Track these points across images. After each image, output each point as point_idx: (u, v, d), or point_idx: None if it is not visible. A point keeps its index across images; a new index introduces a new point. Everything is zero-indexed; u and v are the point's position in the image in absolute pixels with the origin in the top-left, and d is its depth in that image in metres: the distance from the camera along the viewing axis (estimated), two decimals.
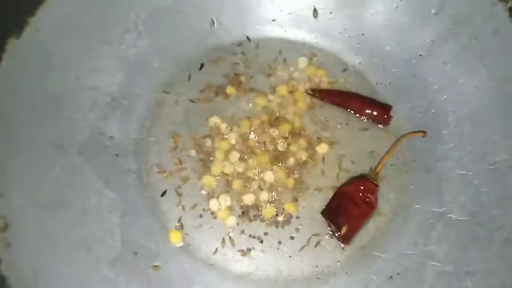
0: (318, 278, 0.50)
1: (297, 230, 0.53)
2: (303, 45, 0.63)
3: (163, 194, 0.54)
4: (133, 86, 0.59)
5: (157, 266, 0.49)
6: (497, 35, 0.53)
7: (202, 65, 0.60)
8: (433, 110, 0.57)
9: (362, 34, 0.62)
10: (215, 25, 0.63)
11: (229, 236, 0.52)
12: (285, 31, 0.64)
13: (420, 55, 0.59)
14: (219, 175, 0.55)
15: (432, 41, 0.58)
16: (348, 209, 0.51)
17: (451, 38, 0.56)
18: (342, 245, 0.51)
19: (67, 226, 0.47)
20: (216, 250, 0.52)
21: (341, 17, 0.62)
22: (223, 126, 0.58)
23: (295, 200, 0.54)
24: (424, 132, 0.55)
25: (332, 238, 0.52)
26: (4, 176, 0.43)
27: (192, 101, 0.59)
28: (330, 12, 0.63)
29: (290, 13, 0.63)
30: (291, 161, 0.56)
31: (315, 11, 0.63)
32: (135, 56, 0.59)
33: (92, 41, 0.57)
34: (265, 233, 0.53)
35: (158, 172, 0.55)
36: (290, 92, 0.60)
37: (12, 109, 0.46)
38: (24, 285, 0.38)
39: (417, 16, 0.58)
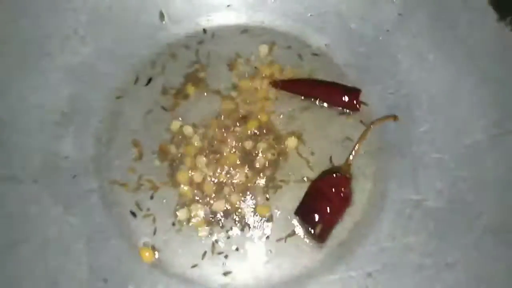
0: (296, 281, 0.49)
1: (272, 233, 0.51)
2: (263, 29, 0.59)
3: (130, 210, 0.52)
4: (83, 98, 0.55)
5: None
6: (466, 3, 0.48)
7: (150, 79, 0.56)
8: (405, 90, 0.53)
9: (324, 12, 0.57)
10: (165, 18, 0.58)
11: (203, 247, 0.50)
12: (242, 16, 0.59)
13: (387, 30, 0.55)
14: (187, 183, 0.53)
15: (399, 14, 0.54)
16: (321, 206, 0.49)
17: (418, 9, 0.52)
18: (314, 243, 0.49)
19: (28, 262, 0.45)
20: (191, 263, 0.50)
21: None
22: (187, 129, 0.54)
23: (267, 199, 0.52)
24: (395, 116, 0.52)
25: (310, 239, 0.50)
26: None
27: (150, 106, 0.55)
28: None
29: None
30: (261, 159, 0.53)
31: None
32: (80, 64, 0.55)
33: (31, 55, 0.52)
34: (240, 240, 0.51)
35: (122, 187, 0.52)
36: (254, 86, 0.56)
37: None
38: None
39: None
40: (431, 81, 0.52)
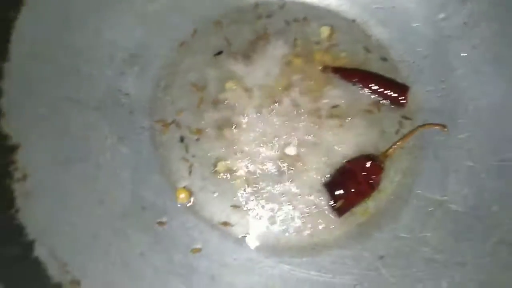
0: (313, 248, 0.53)
1: (300, 200, 0.54)
2: (328, 12, 0.61)
3: (175, 153, 0.56)
4: (151, 43, 0.59)
5: (162, 222, 0.53)
6: None
7: (220, 52, 0.59)
8: (453, 96, 0.55)
9: (392, 7, 0.59)
10: None
11: (234, 200, 0.55)
12: None
13: (449, 36, 0.56)
14: (232, 139, 0.56)
15: (464, 23, 0.55)
16: (348, 185, 0.53)
17: (484, 21, 0.53)
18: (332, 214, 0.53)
19: (81, 179, 0.50)
20: (220, 212, 0.54)
21: None
22: (240, 90, 0.58)
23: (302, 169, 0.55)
24: (445, 126, 0.54)
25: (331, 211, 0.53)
26: (24, 130, 0.45)
27: (209, 62, 0.59)
28: None
29: None
30: (303, 130, 0.56)
31: None
32: (154, 12, 0.59)
33: None
34: (269, 201, 0.54)
35: (171, 131, 0.57)
36: (307, 66, 0.58)
37: (32, 64, 0.47)
38: (39, 234, 0.41)
39: None
40: (481, 93, 0.53)
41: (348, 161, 0.54)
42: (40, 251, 0.41)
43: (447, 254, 0.48)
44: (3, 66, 0.45)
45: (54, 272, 0.41)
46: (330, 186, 0.53)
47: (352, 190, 0.52)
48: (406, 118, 0.56)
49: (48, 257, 0.41)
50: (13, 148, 0.44)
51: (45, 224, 0.43)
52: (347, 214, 0.53)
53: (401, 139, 0.55)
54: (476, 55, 0.54)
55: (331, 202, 0.53)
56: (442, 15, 0.56)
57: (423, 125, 0.55)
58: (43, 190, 0.45)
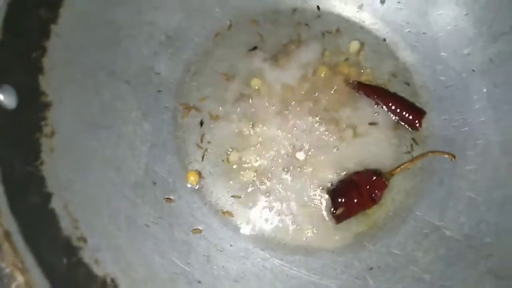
0: (306, 249, 0.55)
1: (303, 201, 0.56)
2: (360, 28, 0.63)
3: (192, 137, 0.59)
4: (188, 30, 0.62)
5: (170, 199, 0.55)
6: None
7: (254, 47, 0.62)
8: (467, 128, 0.57)
9: (423, 33, 0.61)
10: None
11: (240, 190, 0.57)
12: (348, 9, 0.63)
13: (473, 70, 0.58)
14: (249, 132, 0.59)
15: (490, 59, 0.56)
16: (352, 196, 0.55)
17: (510, 62, 0.54)
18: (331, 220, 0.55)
19: (103, 145, 0.53)
20: (225, 199, 0.57)
21: (408, 9, 0.61)
22: (264, 88, 0.60)
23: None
24: (454, 156, 0.55)
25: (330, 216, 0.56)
26: (59, 90, 0.48)
27: (239, 57, 0.62)
28: (398, 2, 0.61)
29: None
30: (317, 136, 0.58)
31: None
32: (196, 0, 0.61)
33: None
34: (273, 196, 0.57)
35: (192, 115, 0.59)
36: (330, 77, 0.61)
37: (77, 31, 0.51)
38: (58, 188, 0.44)
39: (484, 30, 0.56)
40: (495, 130, 0.55)
41: (355, 173, 0.56)
42: (56, 204, 0.44)
43: (434, 276, 0.50)
44: (51, 27, 0.48)
45: (65, 225, 0.44)
46: (333, 193, 0.55)
47: (354, 200, 0.54)
48: (417, 141, 0.58)
49: (62, 210, 0.44)
50: (47, 105, 0.47)
51: (64, 180, 0.46)
52: (345, 223, 0.55)
53: (410, 160, 0.57)
54: (496, 93, 0.56)
55: (332, 209, 0.55)
56: (470, 49, 0.58)
57: (434, 152, 0.57)
58: (67, 149, 0.48)
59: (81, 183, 0.48)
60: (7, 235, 0.34)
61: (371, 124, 0.59)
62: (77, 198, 0.46)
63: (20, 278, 0.32)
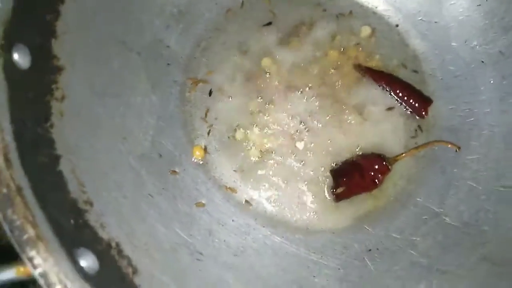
0: (307, 228, 0.56)
1: (306, 180, 0.57)
2: (373, 13, 0.63)
3: (199, 112, 0.59)
4: (201, 4, 0.61)
5: (175, 171, 0.56)
6: None
7: (269, 23, 0.62)
8: (472, 119, 0.57)
9: (435, 22, 0.61)
10: None
11: (244, 167, 0.58)
12: None
13: (482, 61, 0.58)
14: (257, 111, 0.59)
15: (500, 51, 0.57)
16: (354, 177, 0.55)
17: None
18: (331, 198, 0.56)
19: (111, 113, 0.53)
20: (229, 175, 0.57)
21: None
22: (274, 68, 0.61)
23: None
24: (459, 147, 0.56)
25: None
26: (71, 55, 0.48)
27: (251, 35, 0.62)
28: None
29: None
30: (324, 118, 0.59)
31: None
32: None
33: None
34: (277, 175, 0.57)
35: (200, 89, 0.60)
36: (340, 60, 0.61)
37: (90, 0, 0.50)
38: (66, 151, 0.44)
39: (495, 22, 0.56)
40: (500, 121, 0.55)
41: (359, 155, 0.57)
42: (64, 166, 0.44)
43: (431, 260, 0.51)
44: None
45: (72, 188, 0.44)
46: (336, 172, 0.56)
47: (356, 181, 0.55)
48: (423, 129, 0.59)
49: (69, 173, 0.44)
50: (58, 69, 0.47)
51: (72, 144, 0.46)
52: (346, 205, 0.56)
53: (414, 148, 0.57)
54: (504, 85, 0.56)
55: (333, 187, 0.55)
56: (481, 40, 0.58)
57: (439, 141, 0.57)
58: (76, 114, 0.48)
59: (88, 149, 0.49)
60: (19, 189, 0.34)
61: (378, 109, 0.59)
62: (84, 163, 0.47)
63: (31, 231, 0.32)
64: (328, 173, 0.57)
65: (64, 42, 0.48)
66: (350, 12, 0.62)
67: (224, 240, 0.54)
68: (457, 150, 0.56)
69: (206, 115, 0.59)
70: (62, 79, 0.48)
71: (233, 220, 0.56)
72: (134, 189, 0.51)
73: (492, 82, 0.57)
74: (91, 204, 0.45)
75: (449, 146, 0.56)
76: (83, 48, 0.51)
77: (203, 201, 0.56)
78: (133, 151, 0.54)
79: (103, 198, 0.47)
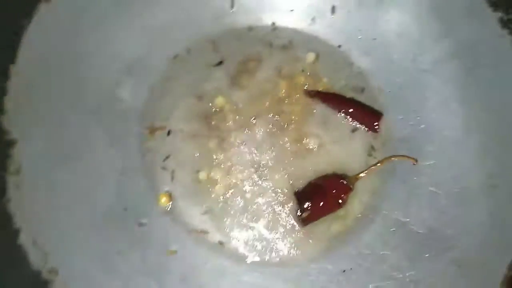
0: (280, 259, 0.56)
1: (274, 214, 0.58)
2: (315, 38, 0.65)
3: (160, 159, 0.60)
4: (150, 56, 0.63)
5: (142, 223, 0.56)
6: (498, 68, 0.54)
7: (220, 62, 0.64)
8: (423, 126, 0.59)
9: (374, 39, 0.63)
10: (234, 7, 0.65)
11: (212, 208, 0.58)
12: (302, 23, 0.65)
13: (424, 70, 0.60)
14: (216, 150, 0.60)
15: (437, 59, 0.59)
16: (316, 199, 0.56)
17: (455, 60, 0.57)
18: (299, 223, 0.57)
19: (70, 177, 0.54)
20: (198, 218, 0.58)
21: (358, 17, 0.64)
22: (228, 106, 0.62)
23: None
24: (416, 160, 0.57)
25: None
26: (23, 127, 0.49)
27: (202, 77, 0.63)
28: (348, 11, 0.64)
29: (309, 6, 0.65)
30: (283, 147, 0.60)
31: (333, 8, 0.64)
32: (155, 27, 0.63)
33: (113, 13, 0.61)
34: (244, 211, 0.58)
35: (158, 138, 0.61)
36: (290, 88, 0.63)
37: (36, 67, 0.52)
38: (26, 224, 0.45)
39: (428, 33, 0.59)
40: (448, 125, 0.57)
41: (320, 178, 0.58)
42: (24, 240, 0.45)
43: (403, 272, 0.52)
44: (10, 68, 0.49)
45: (34, 260, 0.44)
46: (300, 196, 0.57)
47: (320, 204, 0.56)
48: (378, 143, 0.60)
49: (31, 245, 0.45)
50: (11, 143, 0.48)
51: (32, 215, 0.47)
52: (316, 230, 0.57)
53: (373, 165, 0.58)
54: (445, 90, 0.58)
55: (298, 212, 0.56)
56: (419, 50, 0.60)
57: (396, 156, 0.58)
58: (35, 183, 0.49)
59: (50, 217, 0.49)
60: None
61: (332, 130, 0.61)
62: (46, 232, 0.47)
63: None
64: (293, 199, 0.58)
65: (14, 116, 0.49)
66: (293, 43, 0.65)
67: (200, 285, 0.54)
68: (415, 163, 0.57)
69: (166, 161, 0.60)
70: (16, 152, 0.49)
71: (206, 263, 0.56)
72: (101, 249, 0.52)
73: (434, 88, 0.59)
74: (56, 272, 0.45)
75: (407, 159, 0.58)
76: (36, 118, 0.52)
77: (175, 248, 0.56)
78: (96, 210, 0.54)
79: (70, 263, 0.48)
